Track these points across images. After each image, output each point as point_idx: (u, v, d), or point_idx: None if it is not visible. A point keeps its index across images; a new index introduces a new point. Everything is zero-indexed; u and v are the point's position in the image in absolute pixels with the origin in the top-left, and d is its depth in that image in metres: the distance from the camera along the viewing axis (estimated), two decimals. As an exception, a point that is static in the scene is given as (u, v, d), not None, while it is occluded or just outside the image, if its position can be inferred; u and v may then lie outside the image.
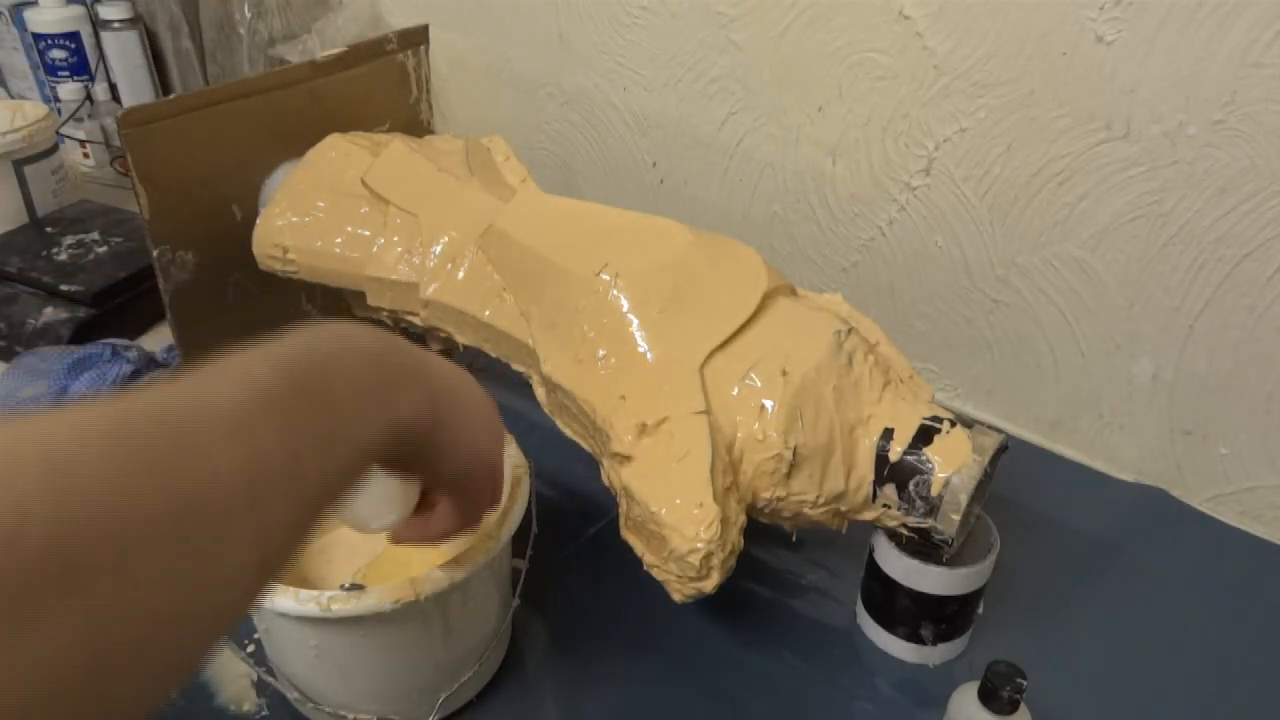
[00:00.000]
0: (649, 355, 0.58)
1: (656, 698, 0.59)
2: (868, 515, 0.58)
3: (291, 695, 0.54)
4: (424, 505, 0.45)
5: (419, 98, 0.95)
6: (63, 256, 0.93)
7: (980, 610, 0.61)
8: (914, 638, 0.60)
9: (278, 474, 0.27)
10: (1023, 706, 0.49)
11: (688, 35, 0.88)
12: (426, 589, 0.49)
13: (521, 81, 1.03)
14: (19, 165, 1.03)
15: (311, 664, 0.53)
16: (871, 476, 0.56)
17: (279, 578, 0.29)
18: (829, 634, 0.64)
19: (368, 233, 0.73)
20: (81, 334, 0.86)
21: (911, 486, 0.55)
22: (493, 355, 0.69)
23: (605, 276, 0.60)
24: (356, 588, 0.49)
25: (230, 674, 0.59)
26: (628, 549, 0.55)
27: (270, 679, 0.55)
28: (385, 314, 0.74)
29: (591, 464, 0.62)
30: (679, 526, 0.51)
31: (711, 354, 0.57)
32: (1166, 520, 0.74)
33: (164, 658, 0.24)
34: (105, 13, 1.19)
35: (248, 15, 1.07)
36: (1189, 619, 0.65)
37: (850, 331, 0.58)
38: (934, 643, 0.60)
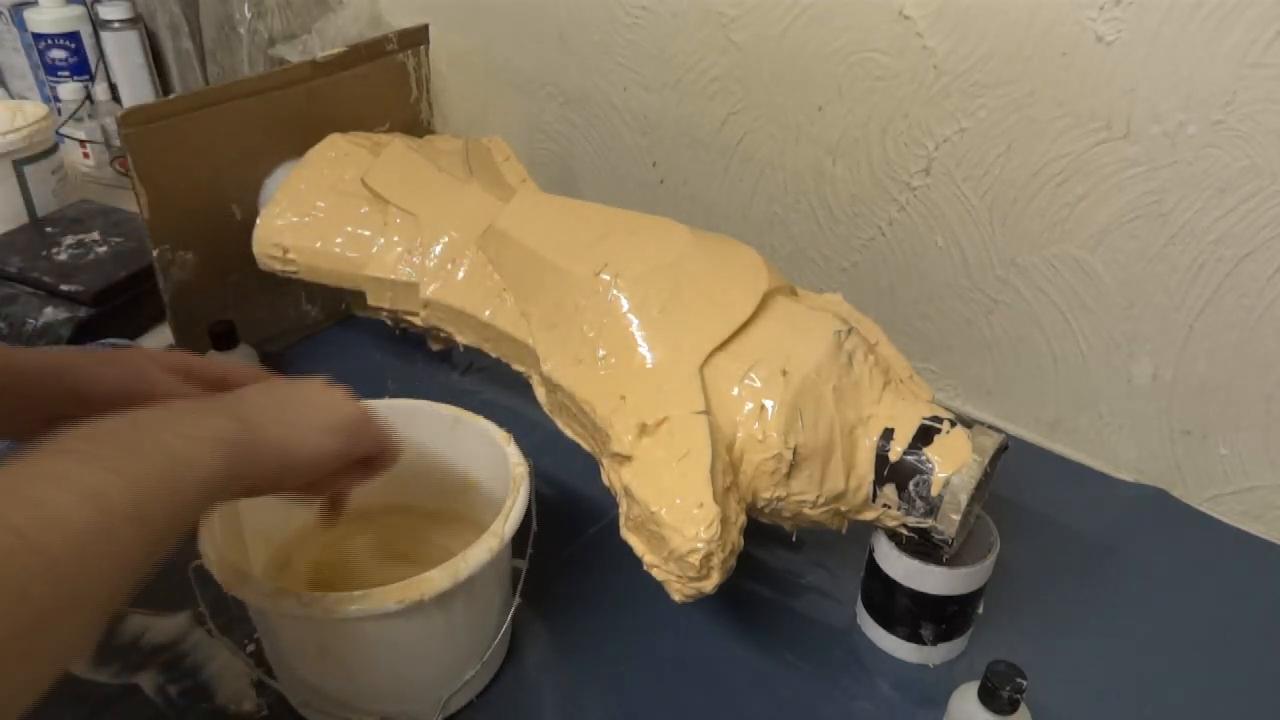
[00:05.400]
0: (649, 355, 0.58)
1: (656, 697, 0.59)
2: (868, 515, 0.58)
3: (292, 696, 0.54)
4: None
5: (419, 98, 0.95)
6: (63, 256, 0.93)
7: (980, 610, 0.61)
8: (914, 638, 0.60)
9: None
10: (1023, 706, 0.49)
11: (688, 35, 0.88)
12: (430, 589, 0.48)
13: (521, 81, 1.03)
14: (19, 165, 1.03)
15: (314, 664, 0.53)
16: (871, 476, 0.56)
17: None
18: (829, 634, 0.64)
19: (368, 233, 0.73)
20: (81, 334, 0.86)
21: (911, 486, 0.55)
22: (493, 355, 0.69)
23: (605, 276, 0.60)
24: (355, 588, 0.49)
25: (230, 674, 0.59)
26: (628, 549, 0.55)
27: (270, 680, 0.55)
28: (385, 314, 0.74)
29: (591, 464, 0.62)
30: (679, 526, 0.51)
31: (711, 354, 0.57)
32: (1166, 520, 0.74)
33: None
34: (105, 13, 1.19)
35: (248, 15, 1.07)
36: (1189, 619, 0.65)
37: (850, 331, 0.58)
38: (934, 643, 0.60)
